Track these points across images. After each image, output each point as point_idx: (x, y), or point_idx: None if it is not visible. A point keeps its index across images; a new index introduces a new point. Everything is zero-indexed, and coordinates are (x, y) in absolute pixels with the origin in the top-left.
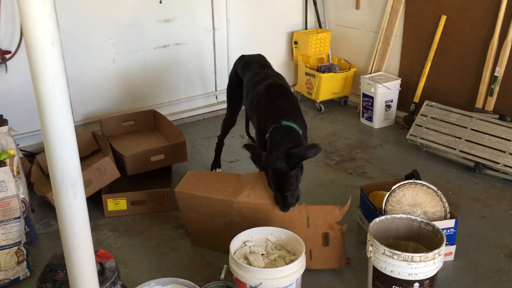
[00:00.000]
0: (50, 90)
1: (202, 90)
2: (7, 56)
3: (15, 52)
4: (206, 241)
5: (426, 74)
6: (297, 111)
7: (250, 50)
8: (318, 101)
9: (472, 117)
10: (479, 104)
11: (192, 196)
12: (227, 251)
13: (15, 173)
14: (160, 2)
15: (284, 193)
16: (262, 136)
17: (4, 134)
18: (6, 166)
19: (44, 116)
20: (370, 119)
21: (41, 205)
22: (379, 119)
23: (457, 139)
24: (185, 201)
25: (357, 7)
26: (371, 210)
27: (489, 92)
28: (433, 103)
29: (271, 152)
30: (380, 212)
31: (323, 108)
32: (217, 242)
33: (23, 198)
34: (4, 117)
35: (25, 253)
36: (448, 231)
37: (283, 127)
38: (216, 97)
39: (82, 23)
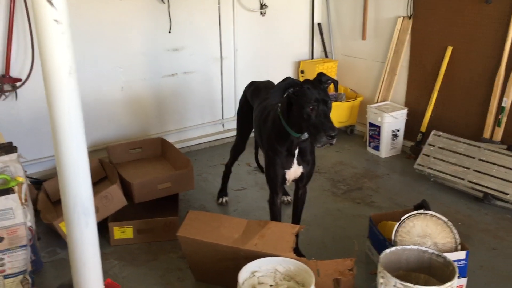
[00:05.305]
0: (66, 119)
1: (209, 118)
2: (18, 84)
3: (26, 80)
4: (211, 278)
5: (433, 104)
6: None
7: (257, 78)
8: None
9: (480, 147)
10: (486, 134)
11: (196, 241)
12: (233, 286)
13: (23, 201)
14: (169, 32)
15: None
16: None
17: (13, 161)
18: (14, 193)
19: (58, 144)
20: (377, 148)
21: (46, 232)
22: (386, 148)
23: (465, 169)
24: (189, 245)
25: (363, 37)
26: (380, 240)
27: (497, 122)
28: (441, 133)
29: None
30: (390, 243)
31: None
32: (223, 280)
33: (30, 226)
34: (13, 144)
35: (30, 282)
36: (459, 263)
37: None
38: (223, 125)
39: (92, 51)
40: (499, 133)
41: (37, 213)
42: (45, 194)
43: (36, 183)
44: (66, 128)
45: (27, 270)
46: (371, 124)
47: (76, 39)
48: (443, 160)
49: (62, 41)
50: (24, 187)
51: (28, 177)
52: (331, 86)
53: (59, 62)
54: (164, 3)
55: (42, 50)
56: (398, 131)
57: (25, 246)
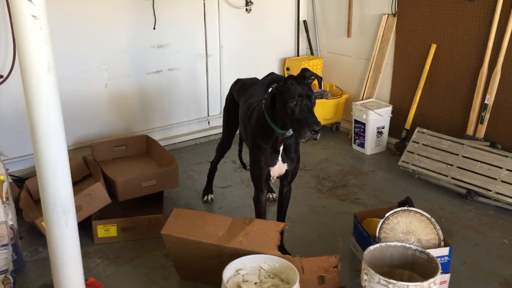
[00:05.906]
0: (45, 116)
1: (194, 115)
2: None
3: (7, 76)
4: (196, 276)
5: (417, 101)
6: None
7: (243, 75)
8: None
9: (463, 144)
10: (469, 131)
11: (181, 239)
12: (218, 284)
13: (4, 199)
14: (154, 28)
15: (311, 105)
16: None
17: None
18: None
19: (37, 142)
20: (362, 145)
21: (29, 231)
22: (371, 146)
23: (448, 166)
24: (173, 243)
25: (349, 35)
26: (365, 237)
27: (480, 119)
28: (425, 130)
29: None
30: (374, 239)
31: None
32: (207, 277)
33: (12, 224)
34: None
35: (12, 281)
36: (443, 259)
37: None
38: (209, 122)
39: (75, 48)
40: (482, 130)
41: (19, 212)
42: (28, 192)
43: (19, 181)
44: (45, 126)
45: (8, 269)
46: (356, 121)
47: (58, 35)
48: (427, 157)
49: (40, 37)
50: (5, 185)
51: (10, 175)
52: (315, 82)
53: (37, 59)
54: None
55: (20, 46)
56: (383, 128)
57: (6, 245)
